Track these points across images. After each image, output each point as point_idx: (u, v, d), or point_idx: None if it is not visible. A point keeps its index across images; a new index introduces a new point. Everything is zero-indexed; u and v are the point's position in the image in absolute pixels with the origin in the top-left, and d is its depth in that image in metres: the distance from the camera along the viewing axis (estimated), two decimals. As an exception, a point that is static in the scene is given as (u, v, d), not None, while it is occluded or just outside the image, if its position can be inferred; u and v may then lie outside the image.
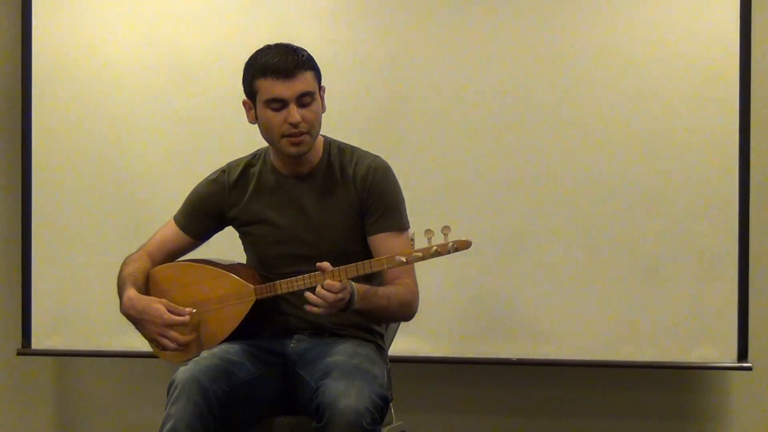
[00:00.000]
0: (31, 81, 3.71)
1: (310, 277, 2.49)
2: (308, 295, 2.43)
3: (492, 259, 3.49)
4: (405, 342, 3.28)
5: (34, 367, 3.98)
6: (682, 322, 3.42)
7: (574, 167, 3.47)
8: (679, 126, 3.42)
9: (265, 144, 2.73)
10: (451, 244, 2.40)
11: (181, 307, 2.60)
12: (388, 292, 2.55)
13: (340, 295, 2.41)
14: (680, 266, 3.42)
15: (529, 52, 3.49)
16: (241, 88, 3.52)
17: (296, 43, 2.68)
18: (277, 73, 2.55)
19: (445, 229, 2.39)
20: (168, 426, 2.38)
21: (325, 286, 2.40)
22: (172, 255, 2.77)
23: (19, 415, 4.01)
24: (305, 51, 2.62)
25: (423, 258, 2.42)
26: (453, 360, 3.55)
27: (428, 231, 2.40)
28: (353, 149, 2.71)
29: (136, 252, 2.78)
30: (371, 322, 2.69)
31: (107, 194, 3.69)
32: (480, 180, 3.50)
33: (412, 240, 2.47)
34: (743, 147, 3.39)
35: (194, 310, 2.61)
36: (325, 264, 2.44)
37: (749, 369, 3.42)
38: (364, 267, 2.44)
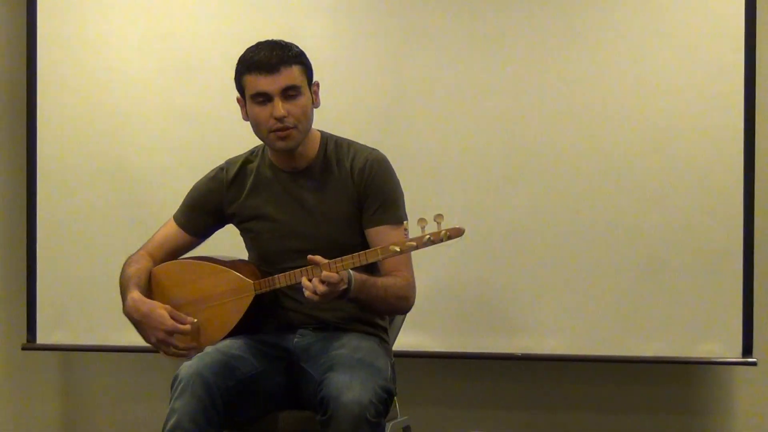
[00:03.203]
0: (36, 78, 3.72)
1: (308, 270, 2.48)
2: (305, 282, 2.43)
3: (496, 253, 3.49)
4: (410, 337, 3.28)
5: (39, 362, 3.99)
6: (686, 317, 3.42)
7: (579, 162, 3.46)
8: (683, 121, 3.42)
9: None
10: (444, 232, 2.40)
11: (183, 315, 2.60)
12: (385, 283, 2.57)
13: (341, 286, 2.43)
14: (685, 261, 3.41)
15: (532, 47, 3.48)
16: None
17: (298, 40, 2.68)
18: (261, 68, 2.56)
19: (438, 218, 2.39)
20: (172, 421, 2.38)
21: (323, 278, 2.41)
22: (172, 253, 2.77)
23: (24, 410, 4.02)
24: (295, 47, 2.62)
25: (417, 247, 2.42)
26: (458, 355, 3.55)
27: (421, 220, 2.39)
28: (350, 143, 2.72)
29: (137, 252, 2.78)
30: (368, 312, 2.69)
31: (111, 190, 3.69)
32: (484, 174, 3.50)
33: (406, 230, 2.47)
34: (748, 142, 3.38)
35: (195, 320, 2.61)
36: (318, 257, 2.44)
37: (754, 364, 3.42)
38: (359, 258, 2.45)
